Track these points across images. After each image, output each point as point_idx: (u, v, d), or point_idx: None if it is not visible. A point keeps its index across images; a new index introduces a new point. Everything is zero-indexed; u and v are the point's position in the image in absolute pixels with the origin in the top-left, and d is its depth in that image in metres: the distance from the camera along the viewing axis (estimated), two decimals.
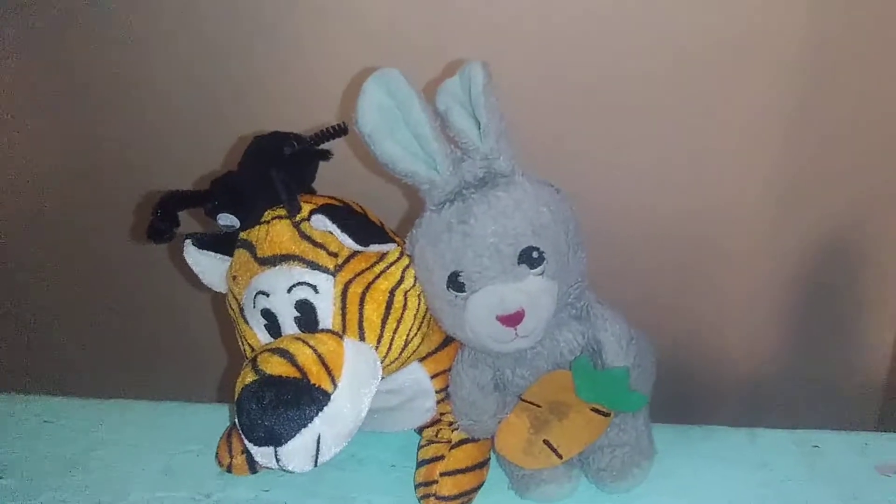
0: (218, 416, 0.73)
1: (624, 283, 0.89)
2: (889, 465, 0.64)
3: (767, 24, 0.79)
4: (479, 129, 0.55)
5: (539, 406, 0.60)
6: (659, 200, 0.89)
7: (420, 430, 0.67)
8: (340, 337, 0.55)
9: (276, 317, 0.56)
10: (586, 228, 0.59)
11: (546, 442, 0.59)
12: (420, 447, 0.65)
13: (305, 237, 0.56)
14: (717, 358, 1.01)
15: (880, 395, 1.02)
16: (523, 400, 0.60)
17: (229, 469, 0.66)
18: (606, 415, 0.59)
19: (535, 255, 0.54)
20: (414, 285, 0.58)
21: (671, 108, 0.83)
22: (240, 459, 0.66)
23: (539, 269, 0.54)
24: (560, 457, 0.59)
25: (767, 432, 0.69)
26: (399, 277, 0.58)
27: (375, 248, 0.56)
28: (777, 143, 0.85)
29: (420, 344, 0.60)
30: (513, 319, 0.54)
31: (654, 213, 0.89)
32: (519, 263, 0.54)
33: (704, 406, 1.03)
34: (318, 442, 0.52)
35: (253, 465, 0.66)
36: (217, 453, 0.68)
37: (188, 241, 0.59)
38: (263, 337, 0.57)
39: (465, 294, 0.55)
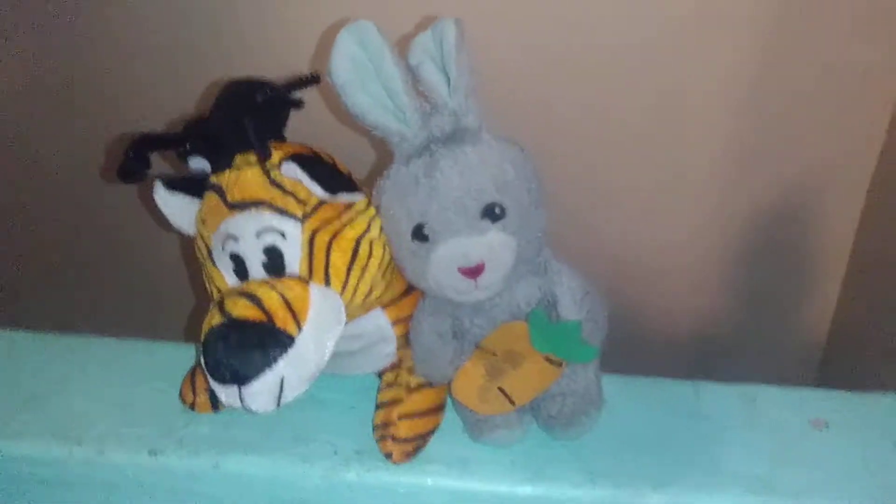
0: (182, 355, 0.74)
1: (578, 239, 0.92)
2: (822, 420, 0.68)
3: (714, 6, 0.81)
4: (449, 84, 0.56)
5: (495, 354, 0.62)
6: (615, 160, 0.91)
7: (380, 374, 0.69)
8: (306, 282, 0.56)
9: (244, 261, 0.57)
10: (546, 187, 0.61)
11: (500, 389, 0.62)
12: (379, 390, 0.67)
13: (275, 184, 0.57)
14: (667, 312, 1.04)
15: (820, 355, 1.06)
16: (480, 348, 0.62)
17: (192, 406, 0.68)
18: (559, 365, 0.61)
19: (497, 210, 0.56)
20: (379, 235, 0.60)
21: (631, 75, 0.85)
22: (203, 397, 0.67)
23: (501, 225, 0.56)
24: (513, 403, 0.62)
25: (710, 385, 0.71)
26: (365, 227, 0.59)
27: (344, 197, 0.58)
28: (732, 110, 0.87)
29: (383, 291, 0.62)
30: (474, 272, 0.56)
31: (609, 173, 0.91)
32: (482, 218, 0.56)
33: (653, 359, 1.06)
34: (282, 383, 0.54)
35: (216, 404, 0.67)
36: (181, 391, 0.69)
37: (158, 183, 0.60)
38: (231, 280, 0.58)
39: (428, 245, 0.56)
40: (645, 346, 1.06)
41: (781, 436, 0.67)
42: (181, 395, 0.69)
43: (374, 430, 0.65)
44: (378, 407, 0.66)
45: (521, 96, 0.84)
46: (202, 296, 0.61)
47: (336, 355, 0.58)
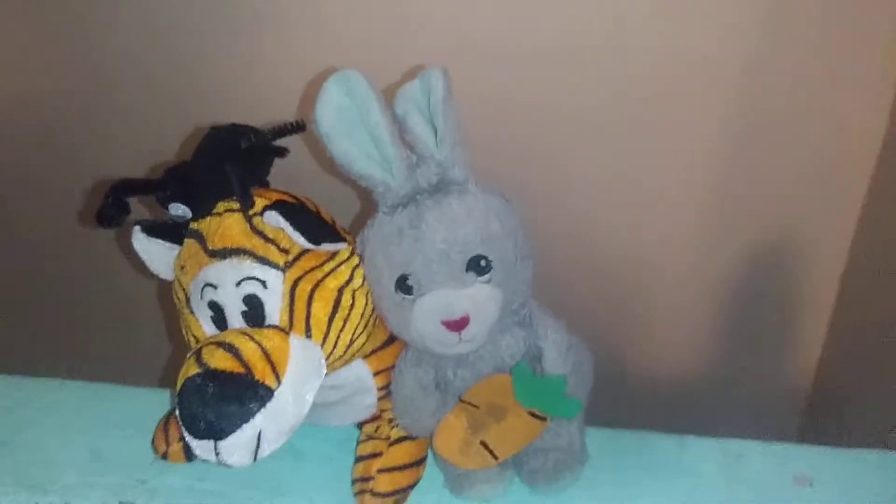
0: (155, 402, 0.72)
1: (562, 290, 0.91)
2: (806, 477, 0.67)
3: (712, 43, 0.81)
4: (436, 135, 0.56)
5: (478, 407, 0.61)
6: (598, 213, 0.91)
7: (360, 426, 0.68)
8: (287, 333, 0.55)
9: (223, 309, 0.56)
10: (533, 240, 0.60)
11: (483, 443, 0.61)
12: (359, 442, 0.66)
13: (257, 232, 0.56)
14: (650, 365, 1.04)
15: (804, 406, 1.06)
16: (463, 401, 0.61)
17: (165, 456, 0.66)
18: (543, 419, 0.60)
19: (482, 263, 0.55)
20: (362, 285, 0.59)
21: (611, 128, 0.85)
22: (176, 447, 0.66)
23: (486, 277, 0.56)
24: (496, 458, 0.61)
25: (695, 440, 0.71)
26: (348, 276, 0.58)
27: (327, 246, 0.57)
28: (712, 160, 0.88)
29: (365, 342, 0.61)
30: (458, 325, 0.55)
31: (593, 225, 0.91)
32: (467, 270, 0.55)
33: (636, 409, 1.05)
34: (259, 437, 0.52)
35: (189, 454, 0.66)
36: (153, 440, 0.67)
37: (137, 228, 0.59)
38: (209, 329, 0.57)
39: (412, 297, 0.56)
40: (628, 396, 1.05)
41: (765, 492, 0.66)
42: (154, 444, 0.67)
43: (352, 483, 0.64)
44: (357, 459, 0.65)
45: (501, 142, 0.84)
46: (179, 342, 0.60)
47: (315, 405, 0.56)
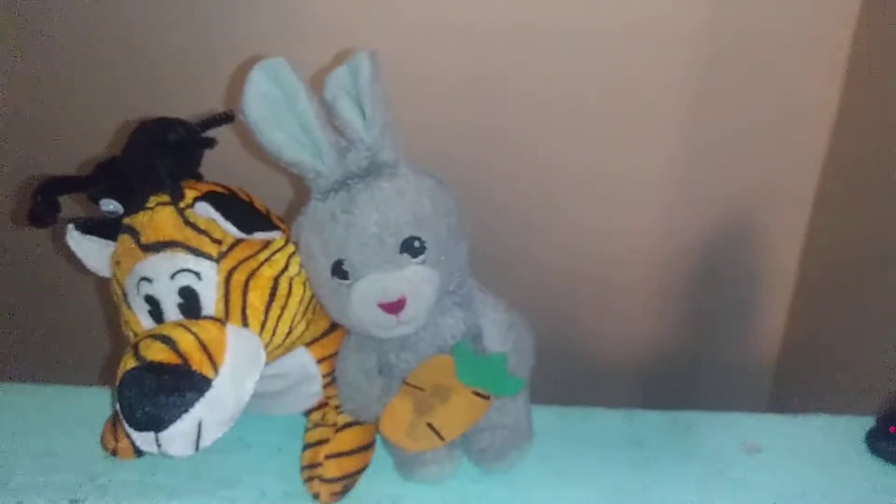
0: (103, 400, 0.72)
1: (525, 272, 0.92)
2: (754, 444, 0.68)
3: (664, 22, 0.82)
4: (365, 119, 0.56)
5: (422, 389, 0.61)
6: (557, 184, 0.91)
7: (307, 414, 0.68)
8: (223, 323, 0.55)
9: (159, 303, 0.56)
10: (477, 217, 0.61)
11: (429, 424, 0.61)
12: (307, 430, 0.66)
13: (189, 224, 0.56)
14: (615, 338, 1.05)
15: (772, 375, 1.07)
16: (407, 384, 0.61)
17: (115, 452, 0.66)
18: (487, 398, 0.61)
19: (416, 244, 0.55)
20: (299, 272, 0.59)
21: (572, 100, 0.86)
22: (125, 443, 0.66)
23: (420, 259, 0.56)
24: (442, 439, 0.61)
25: (643, 413, 0.72)
26: (284, 264, 0.58)
27: (260, 235, 0.57)
28: (674, 137, 0.89)
29: (305, 330, 0.61)
30: (394, 307, 0.55)
31: (555, 193, 0.92)
32: (401, 252, 0.55)
33: (602, 386, 1.06)
34: (199, 427, 0.53)
35: (139, 449, 0.65)
36: (102, 437, 0.67)
37: (70, 226, 0.59)
38: (147, 322, 0.57)
39: (348, 282, 0.56)
40: (594, 377, 1.06)
41: (714, 461, 0.67)
42: (103, 442, 0.67)
43: (301, 471, 0.64)
44: (305, 447, 0.65)
45: (443, 123, 0.84)
46: (119, 338, 0.60)
47: (261, 396, 0.57)
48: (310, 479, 0.62)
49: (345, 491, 0.62)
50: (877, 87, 0.84)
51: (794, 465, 0.66)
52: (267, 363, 0.57)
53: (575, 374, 1.01)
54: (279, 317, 0.57)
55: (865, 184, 0.86)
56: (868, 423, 0.68)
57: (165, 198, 0.57)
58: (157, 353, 0.53)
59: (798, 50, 0.85)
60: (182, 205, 0.56)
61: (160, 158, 0.56)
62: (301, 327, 0.60)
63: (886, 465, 0.65)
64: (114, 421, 0.67)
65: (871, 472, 0.65)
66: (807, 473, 0.65)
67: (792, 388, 1.05)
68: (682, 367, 1.07)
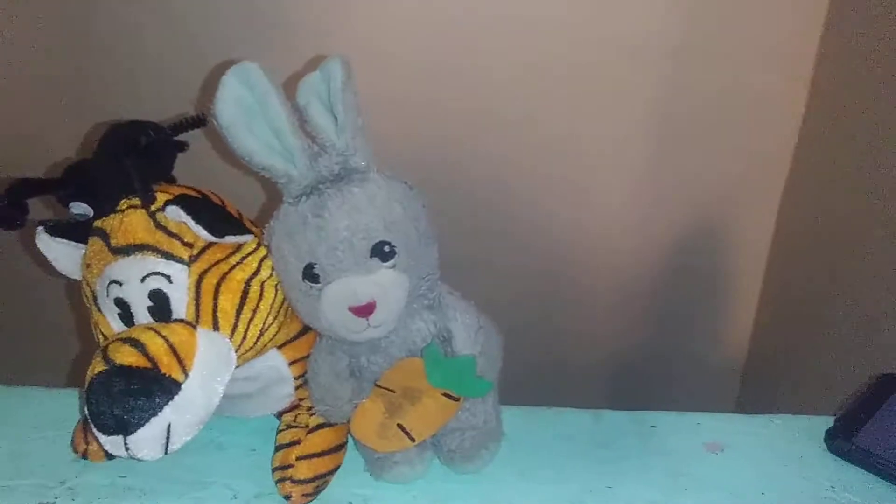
0: (71, 402, 0.72)
1: (486, 267, 0.92)
2: (717, 444, 0.70)
3: (636, 25, 0.83)
4: (337, 125, 0.57)
5: (393, 391, 0.62)
6: (525, 185, 0.92)
7: (279, 415, 0.68)
8: (193, 327, 0.56)
9: (129, 306, 0.56)
10: (446, 220, 0.61)
11: (400, 426, 0.62)
12: (279, 432, 0.67)
13: (160, 227, 0.56)
14: (584, 339, 1.06)
15: (740, 375, 1.09)
16: (378, 386, 0.62)
17: (85, 455, 0.66)
18: (456, 399, 0.62)
19: (386, 248, 0.56)
20: (271, 276, 0.59)
21: (542, 102, 0.87)
22: (95, 446, 0.65)
23: (390, 263, 0.56)
24: (413, 440, 0.62)
25: (610, 413, 0.73)
26: (256, 268, 0.59)
27: (231, 239, 0.57)
28: (644, 139, 0.90)
29: (276, 333, 0.61)
30: (365, 310, 0.56)
31: (528, 195, 0.93)
32: (371, 257, 0.56)
33: (571, 387, 1.07)
34: (168, 430, 0.53)
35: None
36: (72, 440, 0.67)
37: (40, 229, 0.59)
38: (117, 325, 0.57)
39: (319, 285, 0.56)
40: (563, 374, 1.07)
41: (677, 461, 0.68)
42: (73, 444, 0.67)
43: (273, 472, 0.64)
44: (277, 449, 0.65)
45: (417, 128, 0.85)
46: (90, 341, 0.60)
47: (233, 398, 0.57)
48: (282, 480, 0.62)
49: (317, 492, 0.63)
50: (843, 90, 0.86)
51: (756, 463, 0.67)
52: (238, 366, 0.58)
53: (545, 375, 1.02)
54: (250, 320, 0.58)
55: (832, 186, 0.88)
56: (828, 422, 0.70)
57: (136, 201, 0.57)
58: (126, 356, 0.53)
59: (766, 52, 0.87)
60: (153, 208, 0.56)
61: (131, 162, 0.56)
62: (273, 330, 0.60)
63: (844, 463, 0.67)
64: (84, 423, 0.67)
65: (830, 470, 0.67)
66: (767, 471, 0.67)
67: (759, 387, 1.07)
68: (652, 367, 1.08)
